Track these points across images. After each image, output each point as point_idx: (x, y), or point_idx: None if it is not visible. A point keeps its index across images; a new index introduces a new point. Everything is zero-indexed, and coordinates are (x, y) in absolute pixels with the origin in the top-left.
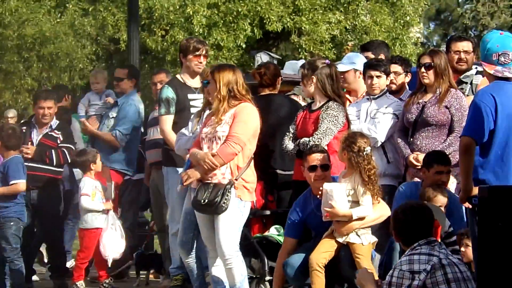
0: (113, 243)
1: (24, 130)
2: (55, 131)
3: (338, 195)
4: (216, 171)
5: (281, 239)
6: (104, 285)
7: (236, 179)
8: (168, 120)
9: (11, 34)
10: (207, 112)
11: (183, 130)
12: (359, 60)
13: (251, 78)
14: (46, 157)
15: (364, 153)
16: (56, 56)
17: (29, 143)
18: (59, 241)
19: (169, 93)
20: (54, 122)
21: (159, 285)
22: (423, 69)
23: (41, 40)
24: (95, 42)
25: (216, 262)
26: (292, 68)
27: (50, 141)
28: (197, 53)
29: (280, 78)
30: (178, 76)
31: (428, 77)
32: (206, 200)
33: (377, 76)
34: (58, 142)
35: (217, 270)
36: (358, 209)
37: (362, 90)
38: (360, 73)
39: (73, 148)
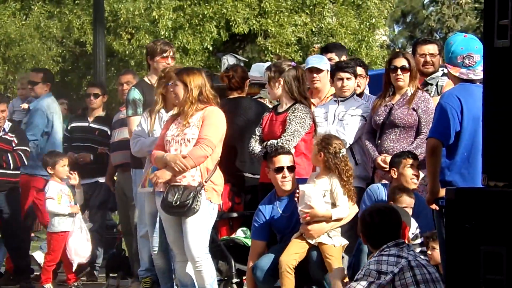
0: (79, 247)
1: None
2: (9, 134)
3: (315, 196)
4: (185, 173)
5: (248, 241)
6: (73, 287)
7: (205, 182)
8: (135, 121)
9: None
10: (165, 114)
11: (137, 131)
12: (327, 61)
13: (218, 81)
14: (3, 162)
15: (340, 154)
16: (21, 58)
17: None
18: (22, 243)
19: (135, 94)
20: (7, 125)
21: None
22: (399, 72)
23: (6, 42)
24: (60, 44)
25: (183, 265)
26: (258, 71)
27: (5, 144)
28: (164, 55)
29: (248, 80)
30: (145, 78)
31: (404, 79)
32: (178, 202)
33: (347, 78)
34: (13, 145)
35: (185, 272)
36: (337, 210)
37: (327, 91)
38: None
39: (29, 150)
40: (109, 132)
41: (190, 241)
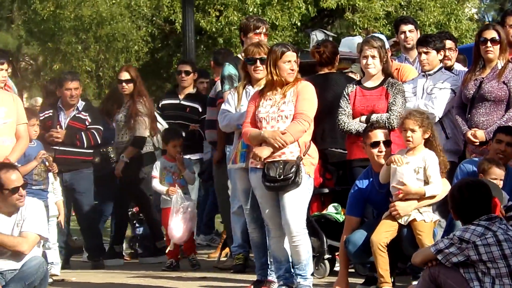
0: (175, 227)
1: (51, 114)
2: (82, 113)
3: (408, 173)
4: (284, 148)
5: (339, 217)
6: (191, 260)
7: (304, 155)
8: None
9: (68, 15)
10: (252, 89)
11: (225, 107)
12: (384, 38)
13: (305, 57)
14: (77, 140)
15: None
16: (112, 37)
17: (58, 126)
18: (94, 222)
19: (231, 69)
20: (80, 104)
21: (222, 264)
22: (489, 44)
23: (97, 21)
24: (150, 23)
25: (279, 240)
26: (348, 45)
27: (79, 123)
28: (258, 31)
29: (338, 56)
30: (239, 55)
31: (494, 51)
32: (282, 176)
33: (425, 52)
34: (87, 123)
35: (281, 248)
36: (430, 186)
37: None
38: (388, 51)
39: (102, 129)
40: (200, 109)
41: (288, 216)
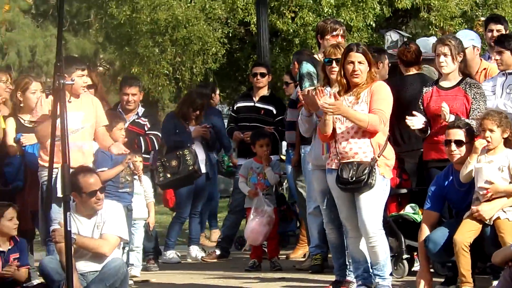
0: (252, 228)
1: None
2: (142, 118)
3: (492, 172)
4: (357, 149)
5: (417, 217)
6: (274, 261)
7: (378, 157)
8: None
9: (144, 19)
10: (330, 90)
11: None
12: (476, 36)
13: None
14: (135, 144)
15: None
16: (189, 40)
17: None
18: None
19: (309, 67)
20: (141, 109)
21: (301, 265)
22: None
23: (173, 24)
24: (225, 25)
25: (356, 241)
26: (423, 46)
27: (138, 128)
28: (334, 33)
29: (421, 56)
30: (316, 56)
31: None
32: (354, 178)
33: (499, 52)
34: (146, 129)
35: (358, 249)
36: None
37: (477, 67)
38: (478, 50)
39: (160, 135)
40: (274, 111)
41: (364, 217)
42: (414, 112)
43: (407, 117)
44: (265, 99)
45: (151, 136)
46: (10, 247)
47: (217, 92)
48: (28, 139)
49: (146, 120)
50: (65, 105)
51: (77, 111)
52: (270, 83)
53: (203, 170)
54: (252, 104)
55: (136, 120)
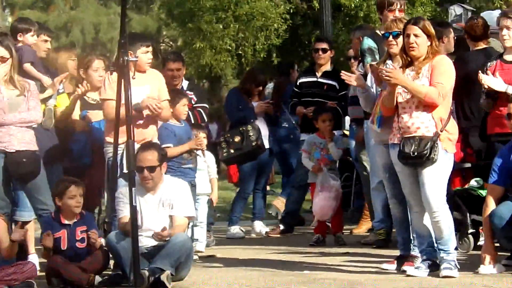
0: (319, 203)
1: None
2: (187, 92)
3: None
4: (419, 124)
5: (482, 192)
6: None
7: (441, 131)
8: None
9: None
10: (390, 63)
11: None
12: None
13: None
14: (198, 119)
15: None
16: (251, 16)
17: None
18: None
19: (370, 42)
20: (185, 83)
21: (365, 240)
22: None
23: (236, 0)
24: (288, 1)
25: (420, 215)
26: (488, 19)
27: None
28: (392, 8)
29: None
30: (377, 31)
31: None
32: (416, 153)
33: None
34: (193, 102)
35: (422, 223)
36: None
37: None
38: None
39: (208, 107)
40: (337, 86)
41: (427, 192)
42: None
43: (480, 74)
44: (328, 74)
45: (199, 109)
46: (76, 220)
47: (296, 68)
48: (94, 116)
49: (192, 93)
50: (129, 82)
51: (142, 86)
52: (333, 58)
53: (266, 145)
54: (315, 79)
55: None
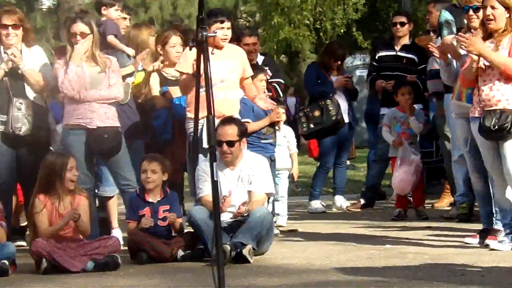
0: (399, 177)
1: None
2: (262, 67)
3: None
4: (499, 97)
5: None
6: (419, 211)
7: None
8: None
9: None
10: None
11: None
12: None
13: None
14: (275, 94)
15: None
16: None
17: None
18: None
19: (447, 15)
20: (260, 58)
21: (448, 214)
22: None
23: None
24: None
25: (502, 189)
26: None
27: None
28: None
29: None
30: (455, 3)
31: None
32: (496, 126)
33: None
34: (268, 77)
35: (504, 197)
36: None
37: None
38: None
39: (283, 82)
40: (416, 60)
41: (509, 165)
42: None
43: None
44: (407, 48)
45: (274, 84)
46: (159, 199)
47: None
48: (174, 92)
49: (267, 68)
50: (208, 57)
51: (224, 61)
52: (412, 32)
53: (346, 120)
54: (394, 53)
55: None
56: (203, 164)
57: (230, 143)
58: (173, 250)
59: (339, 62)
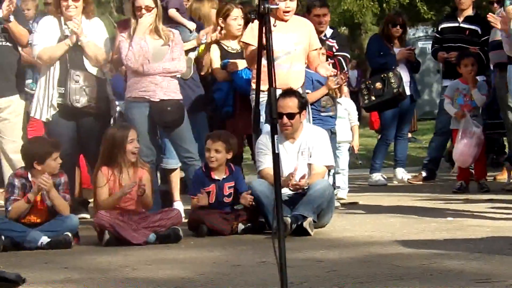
0: (460, 150)
1: None
2: (330, 39)
3: None
4: None
5: None
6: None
7: None
8: None
9: None
10: None
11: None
12: None
13: None
14: (337, 65)
15: None
16: None
17: None
18: None
19: None
20: (329, 31)
21: (510, 186)
22: None
23: None
24: None
25: None
26: None
27: (326, 50)
28: None
29: None
30: None
31: None
32: None
33: None
34: (334, 50)
35: None
36: None
37: None
38: None
39: (349, 57)
40: (479, 32)
41: None
42: None
43: None
44: (470, 19)
45: (339, 58)
46: (225, 176)
47: None
48: (235, 65)
49: (334, 41)
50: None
51: (288, 34)
52: (475, 3)
53: (408, 92)
54: (456, 24)
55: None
56: (263, 137)
57: (290, 116)
58: (233, 225)
59: (401, 33)
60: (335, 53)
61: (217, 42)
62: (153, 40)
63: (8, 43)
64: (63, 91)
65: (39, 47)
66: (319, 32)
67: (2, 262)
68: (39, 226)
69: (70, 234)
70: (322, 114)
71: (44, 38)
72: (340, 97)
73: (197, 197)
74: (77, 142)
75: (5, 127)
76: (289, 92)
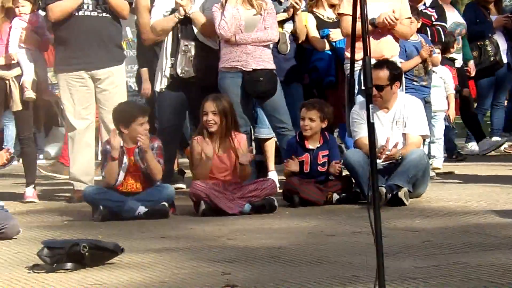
0: None
1: None
2: (429, 8)
3: None
4: None
5: None
6: None
7: None
8: None
9: None
10: None
11: None
12: None
13: None
14: (436, 36)
15: None
16: None
17: None
18: None
19: None
20: (428, 0)
21: None
22: None
23: None
24: None
25: None
26: None
27: (424, 18)
28: None
29: None
30: None
31: None
32: None
33: None
34: (432, 19)
35: None
36: None
37: None
38: None
39: (446, 27)
40: None
41: None
42: None
43: None
44: None
45: (438, 27)
46: (319, 145)
47: None
48: (336, 34)
49: (434, 10)
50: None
51: (381, 2)
52: None
53: (505, 60)
54: None
55: (424, 10)
56: (357, 106)
57: (379, 88)
58: (328, 195)
59: (497, 0)
60: (434, 22)
61: (311, 11)
62: (246, 9)
63: (108, 15)
64: (173, 61)
65: (153, 19)
66: (418, 1)
67: (100, 232)
68: (136, 195)
69: (166, 204)
70: (415, 83)
71: (159, 11)
72: (434, 66)
73: (287, 162)
74: (184, 113)
75: (105, 98)
76: (381, 63)
